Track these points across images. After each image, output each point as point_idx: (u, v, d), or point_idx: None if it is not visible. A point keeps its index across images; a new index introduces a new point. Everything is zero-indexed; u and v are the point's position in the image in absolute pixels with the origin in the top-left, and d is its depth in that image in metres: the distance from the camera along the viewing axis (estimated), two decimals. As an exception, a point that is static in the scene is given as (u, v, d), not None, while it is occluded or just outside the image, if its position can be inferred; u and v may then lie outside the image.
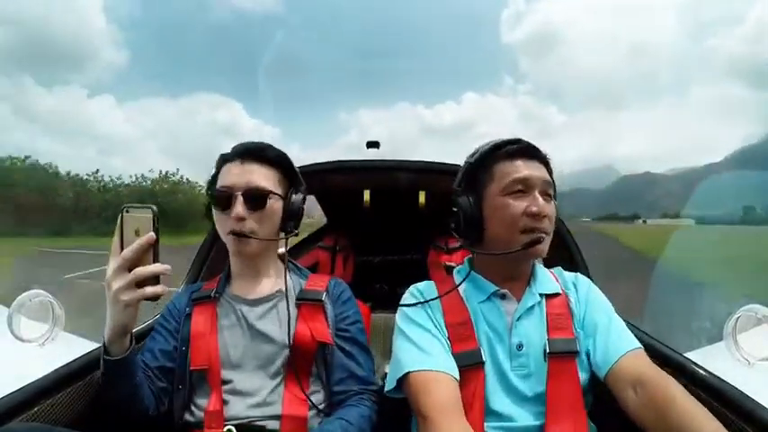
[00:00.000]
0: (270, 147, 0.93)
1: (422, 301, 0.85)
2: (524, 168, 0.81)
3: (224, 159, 0.93)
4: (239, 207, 0.86)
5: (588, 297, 0.86)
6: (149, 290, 0.67)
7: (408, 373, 0.76)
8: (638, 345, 0.78)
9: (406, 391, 0.77)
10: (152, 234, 0.67)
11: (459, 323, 0.82)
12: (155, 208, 0.68)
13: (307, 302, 0.92)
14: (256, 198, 0.88)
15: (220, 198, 0.88)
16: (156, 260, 0.68)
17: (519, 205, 0.79)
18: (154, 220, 0.68)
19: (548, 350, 0.78)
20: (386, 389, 0.81)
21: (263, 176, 0.90)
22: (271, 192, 0.89)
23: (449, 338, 0.81)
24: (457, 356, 0.79)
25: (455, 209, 0.85)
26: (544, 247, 0.80)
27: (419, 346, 0.79)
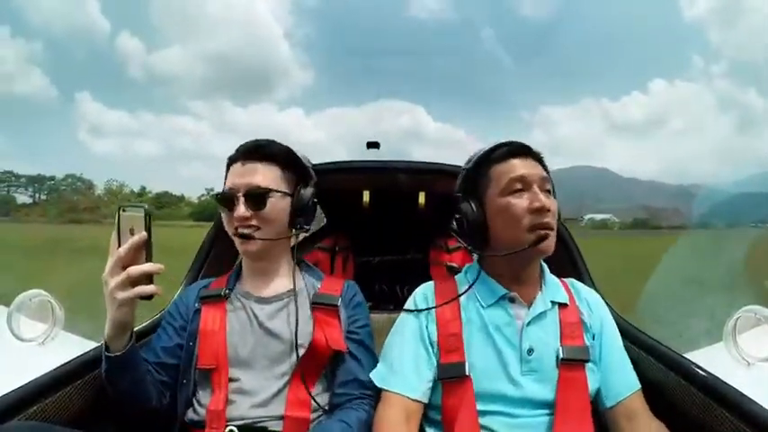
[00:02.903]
0: (271, 143, 0.93)
1: (421, 308, 0.87)
2: (521, 167, 0.82)
3: (230, 160, 0.93)
4: (241, 207, 0.87)
5: (603, 320, 0.88)
6: (140, 289, 0.69)
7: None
8: (639, 384, 0.83)
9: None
10: (144, 233, 0.69)
11: (450, 334, 0.83)
12: (147, 207, 0.70)
13: (322, 307, 0.92)
14: (256, 197, 0.88)
15: (224, 199, 0.89)
16: (149, 259, 0.70)
17: (521, 203, 0.80)
18: (146, 220, 0.70)
19: (561, 356, 0.79)
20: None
21: (263, 175, 0.89)
22: (270, 189, 0.89)
23: (438, 348, 0.82)
24: (443, 367, 0.80)
25: (458, 215, 0.86)
26: (551, 243, 0.80)
27: (392, 363, 0.85)
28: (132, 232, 0.69)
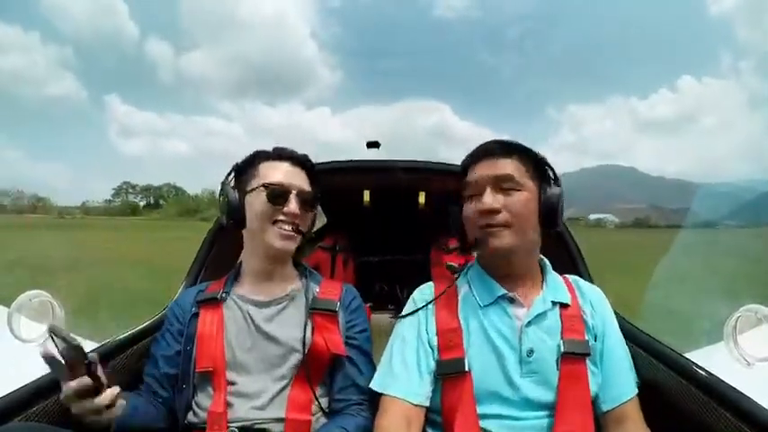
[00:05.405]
0: (306, 155, 0.97)
1: (414, 310, 0.88)
2: (478, 171, 0.84)
3: (266, 157, 0.95)
4: (295, 205, 0.89)
5: (605, 320, 0.87)
6: (102, 417, 0.68)
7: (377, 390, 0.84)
8: (636, 389, 0.83)
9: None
10: (87, 380, 0.65)
11: (450, 330, 0.83)
12: (77, 343, 0.63)
13: (321, 312, 0.92)
14: (308, 201, 0.93)
15: (276, 192, 0.89)
16: (99, 391, 0.67)
17: (472, 207, 0.83)
18: (88, 368, 0.65)
19: (562, 349, 0.79)
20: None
21: (308, 183, 0.95)
22: (317, 198, 0.96)
23: (438, 345, 0.83)
24: (443, 364, 0.81)
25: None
26: (500, 241, 0.80)
27: (392, 367, 0.84)
28: (71, 367, 0.63)
